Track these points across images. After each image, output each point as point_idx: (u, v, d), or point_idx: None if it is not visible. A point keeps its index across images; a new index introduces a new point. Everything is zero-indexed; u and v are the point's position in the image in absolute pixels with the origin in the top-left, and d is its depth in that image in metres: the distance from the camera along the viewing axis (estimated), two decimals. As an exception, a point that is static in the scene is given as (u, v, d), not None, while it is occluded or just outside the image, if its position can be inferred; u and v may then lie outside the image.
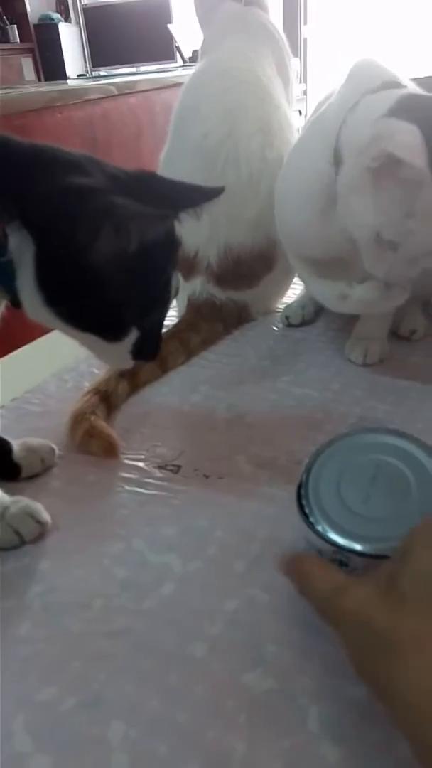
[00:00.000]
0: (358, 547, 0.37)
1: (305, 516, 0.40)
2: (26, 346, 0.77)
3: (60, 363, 0.71)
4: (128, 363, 0.50)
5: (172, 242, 0.46)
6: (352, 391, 0.64)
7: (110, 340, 0.46)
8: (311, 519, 0.40)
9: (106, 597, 0.42)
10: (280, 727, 0.34)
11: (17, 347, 0.76)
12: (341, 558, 0.38)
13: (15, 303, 0.44)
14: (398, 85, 0.57)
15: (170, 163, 0.80)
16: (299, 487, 0.42)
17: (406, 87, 0.57)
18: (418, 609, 0.29)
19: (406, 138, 0.47)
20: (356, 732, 0.33)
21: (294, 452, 0.55)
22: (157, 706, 0.35)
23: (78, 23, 2.95)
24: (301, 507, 0.41)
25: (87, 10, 2.92)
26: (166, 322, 0.77)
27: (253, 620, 0.40)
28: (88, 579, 0.43)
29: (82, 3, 3.05)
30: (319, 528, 0.39)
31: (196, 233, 0.76)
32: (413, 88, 0.57)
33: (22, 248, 0.40)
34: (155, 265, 0.45)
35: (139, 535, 0.47)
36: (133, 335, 0.47)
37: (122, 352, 0.48)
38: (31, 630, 0.40)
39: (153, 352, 0.51)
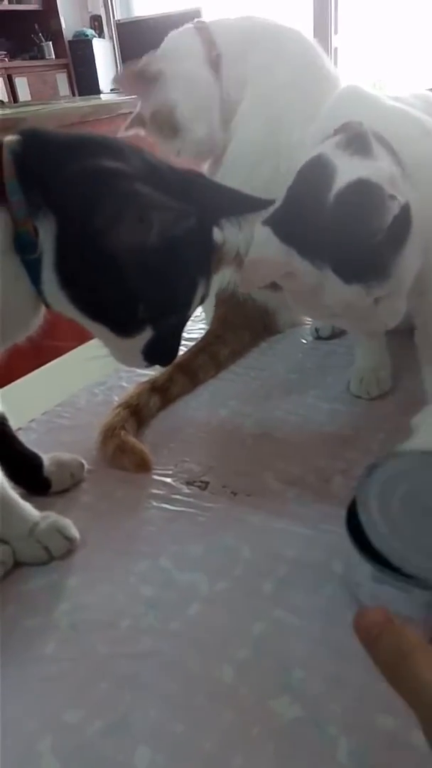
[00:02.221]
0: None
1: (383, 564, 0.35)
2: (56, 360, 0.79)
3: (90, 377, 0.72)
4: (140, 364, 0.48)
5: (202, 244, 0.45)
6: (382, 407, 0.63)
7: (120, 335, 0.45)
8: (395, 563, 0.35)
9: (133, 616, 0.42)
10: (308, 757, 0.33)
11: (45, 362, 0.78)
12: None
13: (45, 300, 0.43)
14: (353, 127, 0.55)
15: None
16: (355, 526, 0.37)
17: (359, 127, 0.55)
18: None
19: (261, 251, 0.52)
20: (387, 765, 0.32)
21: (323, 469, 0.54)
22: (184, 731, 0.34)
23: (111, 38, 3.01)
24: (373, 555, 0.36)
25: (120, 26, 2.98)
26: (194, 335, 0.80)
27: (281, 644, 0.39)
28: (114, 597, 0.43)
29: (116, 19, 3.11)
30: (412, 570, 0.34)
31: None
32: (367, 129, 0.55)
33: (46, 235, 0.40)
34: (177, 264, 0.44)
35: (166, 552, 0.46)
36: (147, 334, 0.45)
37: (133, 351, 0.46)
38: (58, 649, 0.40)
39: (168, 358, 0.49)
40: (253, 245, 0.57)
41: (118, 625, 0.41)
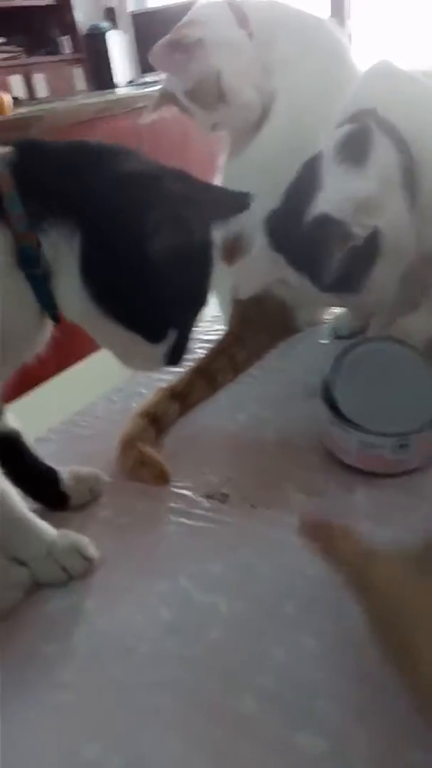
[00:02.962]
0: (416, 425, 0.50)
1: (350, 423, 0.50)
2: (72, 368, 0.78)
3: (107, 384, 0.71)
4: (158, 367, 0.48)
5: (209, 241, 0.45)
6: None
7: (152, 341, 0.44)
8: (356, 422, 0.50)
9: (153, 641, 0.41)
10: (333, 797, 0.31)
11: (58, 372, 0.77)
12: (404, 442, 0.50)
13: (54, 315, 0.42)
14: (365, 115, 0.53)
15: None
16: (329, 400, 0.53)
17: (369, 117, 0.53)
18: None
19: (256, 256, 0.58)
20: (417, 807, 0.31)
21: (345, 480, 0.52)
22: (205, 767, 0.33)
23: (126, 30, 2.98)
24: (342, 417, 0.51)
25: (135, 17, 2.94)
26: (211, 336, 0.78)
27: (303, 671, 0.38)
28: (134, 620, 0.42)
29: (130, 10, 3.07)
30: (374, 429, 0.50)
31: (248, 213, 0.73)
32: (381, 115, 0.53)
33: (58, 247, 0.39)
34: (206, 263, 0.44)
35: (185, 571, 0.45)
36: (173, 337, 0.45)
37: (157, 356, 0.46)
38: (75, 676, 0.39)
39: (181, 357, 0.48)
40: (253, 250, 0.56)
41: (137, 651, 0.40)
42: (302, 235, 0.51)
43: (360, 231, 0.48)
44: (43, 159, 0.41)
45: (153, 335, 0.44)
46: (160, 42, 0.73)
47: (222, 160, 0.81)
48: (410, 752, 0.32)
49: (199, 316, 0.48)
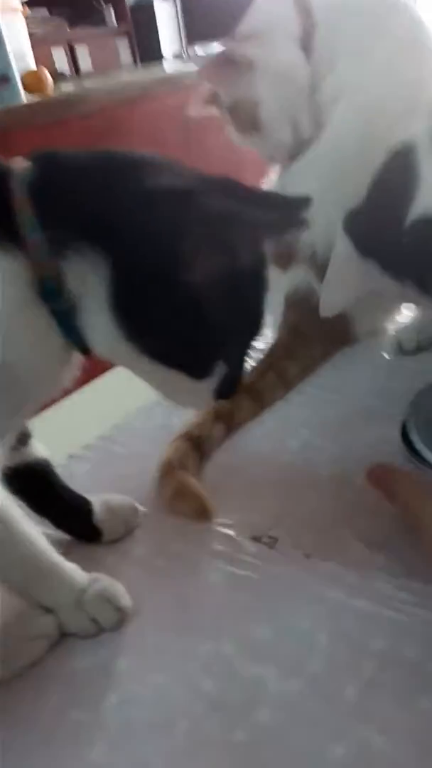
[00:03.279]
0: None
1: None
2: (104, 376, 0.72)
3: (143, 395, 0.66)
4: (208, 404, 0.44)
5: (262, 260, 0.39)
6: None
7: (197, 377, 0.39)
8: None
9: (192, 718, 0.36)
10: None
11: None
12: None
13: (84, 349, 0.37)
14: None
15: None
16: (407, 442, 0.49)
17: None
18: None
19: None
20: None
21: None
22: None
23: (173, 0, 2.87)
24: (422, 458, 0.47)
25: (182, -14, 2.83)
26: (259, 345, 0.72)
27: (367, 775, 0.32)
28: (171, 690, 0.38)
29: (178, -22, 2.96)
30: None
31: (310, 217, 0.67)
32: None
33: (84, 278, 0.34)
34: (258, 287, 0.39)
35: (229, 634, 0.40)
36: (221, 371, 0.40)
37: (205, 392, 0.41)
38: (107, 754, 0.35)
39: (233, 389, 0.43)
40: (332, 259, 0.49)
41: (174, 729, 0.35)
42: (403, 238, 0.44)
43: None
44: (64, 175, 0.35)
45: (198, 372, 0.39)
46: (215, 57, 0.68)
47: (275, 170, 0.74)
48: None
49: (251, 344, 0.43)
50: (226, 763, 0.34)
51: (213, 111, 0.74)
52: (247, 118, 0.69)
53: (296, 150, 0.69)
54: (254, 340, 0.43)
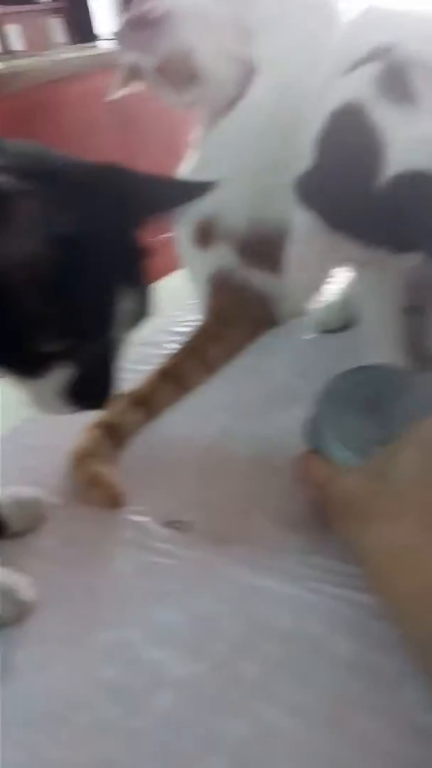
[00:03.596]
0: None
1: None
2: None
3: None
4: (60, 410, 0.39)
5: (121, 249, 0.37)
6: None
7: (24, 376, 0.37)
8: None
9: (92, 709, 0.35)
10: None
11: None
12: None
13: None
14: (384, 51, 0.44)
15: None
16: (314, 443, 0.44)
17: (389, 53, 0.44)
18: (397, 493, 0.34)
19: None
20: None
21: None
22: None
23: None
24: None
25: (119, -36, 2.76)
26: (184, 328, 0.71)
27: (265, 751, 0.32)
28: (70, 681, 0.37)
29: None
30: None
31: (226, 194, 0.64)
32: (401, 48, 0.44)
33: None
34: (86, 276, 0.35)
35: (133, 620, 0.39)
36: (63, 373, 0.37)
37: (47, 394, 0.38)
38: (1, 752, 0.33)
39: (100, 398, 0.40)
40: (293, 239, 0.47)
41: (74, 721, 0.34)
42: (378, 200, 0.41)
43: None
44: None
45: (21, 368, 0.36)
46: (125, 21, 0.65)
47: (195, 135, 0.72)
48: None
49: (111, 347, 0.39)
50: (124, 749, 0.33)
51: (137, 86, 0.72)
52: (182, 71, 0.66)
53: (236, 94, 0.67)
54: (110, 342, 0.39)
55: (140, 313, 0.39)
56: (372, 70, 0.43)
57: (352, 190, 0.43)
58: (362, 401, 0.44)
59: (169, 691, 0.35)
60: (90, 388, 0.39)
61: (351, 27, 0.52)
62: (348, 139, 0.44)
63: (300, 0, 0.66)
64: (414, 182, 0.40)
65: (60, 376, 0.37)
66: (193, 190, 0.40)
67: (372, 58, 0.44)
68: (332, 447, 0.42)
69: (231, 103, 0.67)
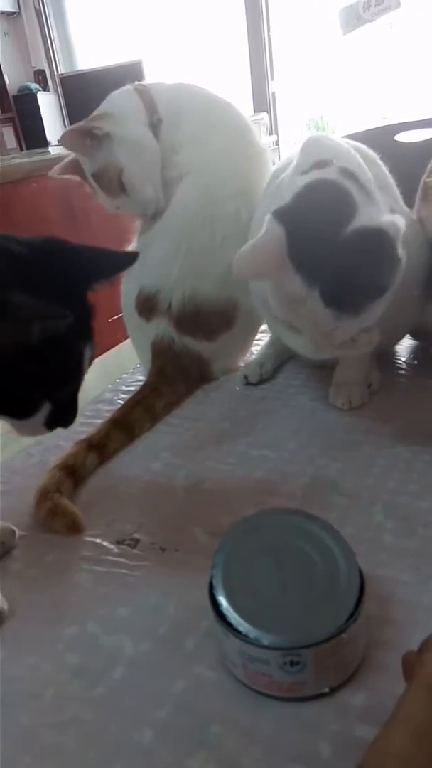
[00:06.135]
0: (307, 639, 0.37)
1: (230, 627, 0.39)
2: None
3: (23, 439, 0.73)
4: (42, 432, 0.52)
5: (80, 313, 0.48)
6: (308, 449, 0.65)
7: (22, 418, 0.49)
8: (241, 630, 0.38)
9: (58, 685, 0.43)
10: None
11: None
12: (292, 659, 0.37)
13: None
14: (327, 163, 0.60)
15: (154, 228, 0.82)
16: (211, 594, 0.41)
17: (333, 165, 0.60)
18: None
19: (268, 246, 0.56)
20: None
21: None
22: (101, 800, 0.35)
23: (56, 91, 3.09)
24: (223, 618, 0.39)
25: (64, 79, 3.06)
26: (132, 388, 0.82)
27: (200, 701, 0.40)
28: (41, 667, 0.44)
29: (59, 72, 3.20)
30: (255, 637, 0.37)
31: (164, 275, 0.79)
32: (341, 164, 0.60)
33: None
34: (62, 347, 0.47)
35: (93, 617, 0.48)
36: (46, 409, 0.50)
37: (36, 425, 0.51)
38: (-16, 725, 0.40)
39: (70, 420, 0.53)
40: (260, 235, 0.57)
41: (42, 696, 0.42)
42: (332, 250, 0.54)
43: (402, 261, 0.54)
44: None
45: (20, 414, 0.49)
46: (73, 127, 0.80)
47: (135, 226, 0.87)
48: (292, 766, 0.36)
49: (76, 384, 0.52)
50: (89, 712, 0.40)
51: (74, 177, 0.85)
52: (113, 182, 0.80)
53: (160, 208, 0.82)
54: (76, 382, 0.51)
55: (92, 356, 0.52)
56: (332, 168, 0.58)
57: (316, 233, 0.55)
58: (259, 547, 0.44)
59: (123, 666, 0.43)
60: (63, 415, 0.51)
61: (300, 147, 0.65)
62: (328, 195, 0.57)
63: (219, 120, 0.83)
64: (375, 239, 0.53)
65: (44, 412, 0.49)
66: (124, 259, 0.52)
67: (319, 167, 0.59)
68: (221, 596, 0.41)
69: (155, 216, 0.82)
